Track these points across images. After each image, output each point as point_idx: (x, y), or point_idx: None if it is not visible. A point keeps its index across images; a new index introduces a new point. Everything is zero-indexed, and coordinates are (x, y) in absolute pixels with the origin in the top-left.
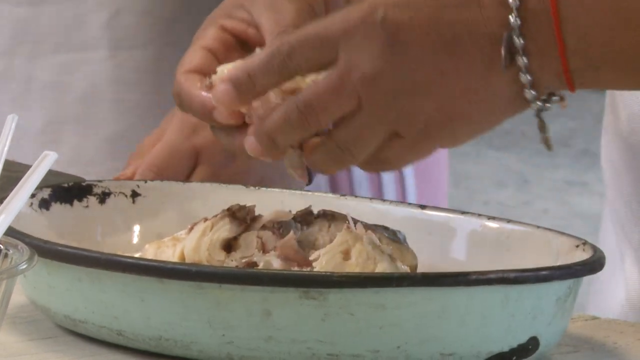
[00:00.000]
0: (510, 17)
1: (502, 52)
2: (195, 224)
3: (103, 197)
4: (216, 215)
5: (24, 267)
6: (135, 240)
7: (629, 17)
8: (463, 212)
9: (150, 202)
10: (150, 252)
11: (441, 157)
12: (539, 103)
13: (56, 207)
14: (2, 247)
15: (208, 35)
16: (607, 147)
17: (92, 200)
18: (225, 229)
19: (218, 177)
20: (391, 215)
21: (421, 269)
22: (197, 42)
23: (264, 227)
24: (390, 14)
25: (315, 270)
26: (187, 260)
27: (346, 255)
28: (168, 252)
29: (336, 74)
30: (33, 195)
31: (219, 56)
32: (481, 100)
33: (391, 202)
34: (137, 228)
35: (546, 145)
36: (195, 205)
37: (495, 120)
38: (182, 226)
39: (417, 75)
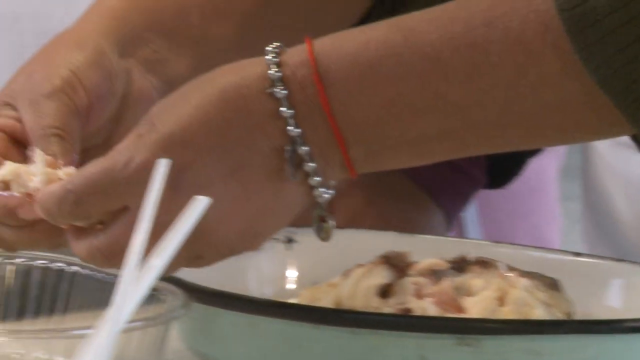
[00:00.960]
0: (287, 127)
1: (287, 165)
2: (351, 270)
3: None
4: (372, 262)
5: (180, 313)
6: (290, 286)
7: (395, 107)
8: (618, 260)
9: (304, 248)
10: (305, 298)
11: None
12: (325, 196)
13: None
14: (157, 292)
15: None
16: None
17: None
18: (381, 275)
19: (356, 223)
20: (546, 262)
21: (576, 316)
22: None
23: (419, 274)
24: (175, 156)
25: (470, 316)
26: (343, 306)
27: (501, 301)
28: (324, 298)
29: (131, 221)
30: None
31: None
32: (277, 210)
33: (545, 249)
34: (292, 274)
35: (324, 235)
36: (350, 251)
37: (289, 220)
38: (337, 272)
39: (213, 211)
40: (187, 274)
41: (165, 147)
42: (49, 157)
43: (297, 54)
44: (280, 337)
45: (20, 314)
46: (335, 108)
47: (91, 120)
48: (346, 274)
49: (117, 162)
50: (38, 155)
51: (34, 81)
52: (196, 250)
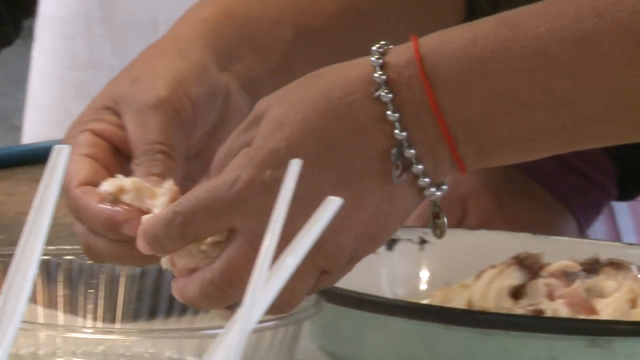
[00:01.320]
0: (394, 131)
1: (394, 168)
2: (483, 271)
3: (391, 243)
4: (504, 263)
5: (311, 313)
6: (422, 287)
7: (504, 103)
8: None
9: (438, 249)
10: (437, 299)
11: None
12: (438, 194)
13: None
14: None
15: (82, 142)
16: None
17: (382, 247)
18: (513, 277)
19: (488, 224)
20: None
21: None
22: (74, 151)
23: (551, 275)
24: (280, 170)
25: (602, 318)
26: (475, 307)
27: (633, 303)
28: (456, 299)
29: (243, 244)
30: None
31: (101, 161)
32: (390, 213)
33: None
34: (424, 275)
35: (439, 232)
36: (482, 252)
37: (403, 221)
38: (470, 273)
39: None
40: None
41: (272, 163)
42: (175, 188)
43: (402, 52)
44: (411, 338)
45: (152, 314)
46: (443, 106)
47: (192, 134)
48: (479, 274)
49: (224, 182)
50: (167, 186)
51: (138, 89)
52: (319, 264)
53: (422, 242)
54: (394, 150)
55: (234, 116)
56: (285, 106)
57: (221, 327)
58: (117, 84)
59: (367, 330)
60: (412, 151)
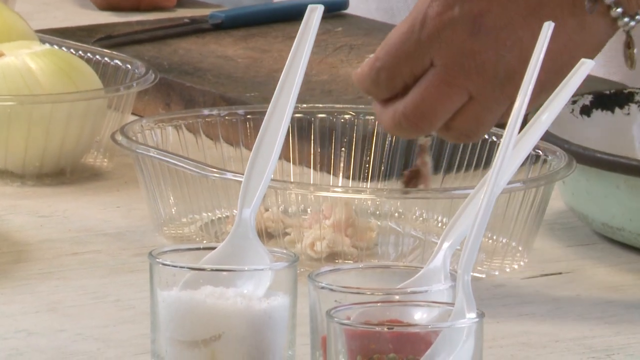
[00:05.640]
0: None
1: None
2: None
3: None
4: None
5: (562, 173)
6: None
7: None
8: None
9: None
10: None
11: None
12: (631, 23)
13: (597, 114)
14: (540, 152)
15: None
16: None
17: (634, 108)
18: None
19: None
20: None
21: None
22: None
23: None
24: (467, 4)
25: None
26: None
27: None
28: None
29: (435, 77)
30: (574, 102)
31: None
32: (582, 44)
33: None
34: None
35: (629, 62)
36: None
37: (597, 51)
38: None
39: (516, 52)
40: (570, 135)
41: None
42: None
43: None
44: None
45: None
46: None
47: None
48: None
49: (414, 24)
50: None
51: None
52: (509, 95)
53: None
54: None
55: None
56: None
57: (471, 188)
58: None
59: (619, 192)
60: None
